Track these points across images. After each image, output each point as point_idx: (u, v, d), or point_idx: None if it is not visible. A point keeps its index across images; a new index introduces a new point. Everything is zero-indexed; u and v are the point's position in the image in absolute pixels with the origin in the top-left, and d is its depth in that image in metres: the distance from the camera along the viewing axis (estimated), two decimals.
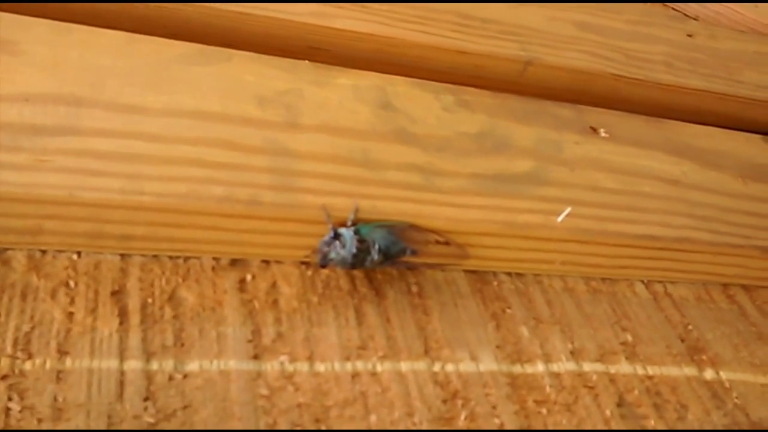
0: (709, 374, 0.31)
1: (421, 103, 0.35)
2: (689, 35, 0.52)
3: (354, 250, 0.27)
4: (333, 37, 0.38)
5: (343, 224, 0.28)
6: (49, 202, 0.25)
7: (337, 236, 0.27)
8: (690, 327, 0.33)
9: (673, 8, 0.62)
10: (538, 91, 0.42)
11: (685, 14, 0.61)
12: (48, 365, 0.23)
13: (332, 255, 0.27)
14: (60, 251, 0.26)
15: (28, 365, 0.22)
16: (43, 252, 0.26)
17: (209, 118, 0.30)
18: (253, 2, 0.37)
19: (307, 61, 0.35)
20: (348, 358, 0.26)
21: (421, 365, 0.27)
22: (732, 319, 0.34)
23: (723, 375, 0.31)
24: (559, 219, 0.32)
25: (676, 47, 0.49)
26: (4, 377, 0.22)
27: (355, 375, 0.26)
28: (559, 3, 0.48)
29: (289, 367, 0.25)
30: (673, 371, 0.30)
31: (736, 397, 0.30)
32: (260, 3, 0.37)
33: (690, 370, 0.31)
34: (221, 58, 0.33)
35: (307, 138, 0.31)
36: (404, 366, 0.27)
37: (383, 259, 0.28)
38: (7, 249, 0.25)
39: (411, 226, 0.29)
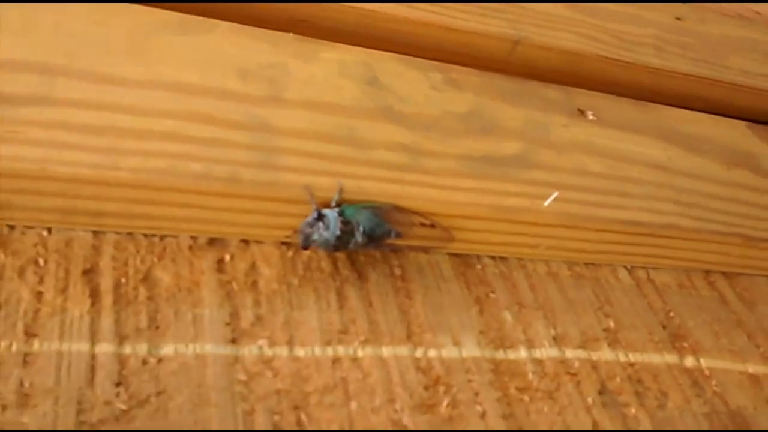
0: (689, 362, 0.30)
1: (409, 80, 0.34)
2: (678, 18, 0.51)
3: (338, 232, 0.26)
4: (316, 9, 0.37)
5: (327, 205, 0.27)
6: (20, 175, 0.23)
7: (320, 217, 0.26)
8: (672, 314, 0.32)
9: None
10: (526, 71, 0.40)
11: None
12: (14, 348, 0.21)
13: (315, 236, 0.26)
14: (29, 227, 0.24)
15: None
16: (11, 227, 0.24)
17: (188, 91, 0.28)
18: None
19: (291, 34, 0.33)
20: (329, 343, 0.25)
21: (403, 350, 0.26)
22: (713, 307, 0.34)
23: (703, 362, 0.31)
24: (546, 203, 0.31)
25: (665, 30, 0.48)
26: None
27: (335, 360, 0.25)
28: None
29: (268, 352, 0.24)
30: (654, 358, 0.30)
31: (716, 385, 0.30)
32: None
33: (671, 358, 0.30)
34: (203, 29, 0.31)
35: (291, 114, 0.29)
36: (386, 351, 0.26)
37: (367, 242, 0.27)
38: None
39: (396, 208, 0.28)
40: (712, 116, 0.43)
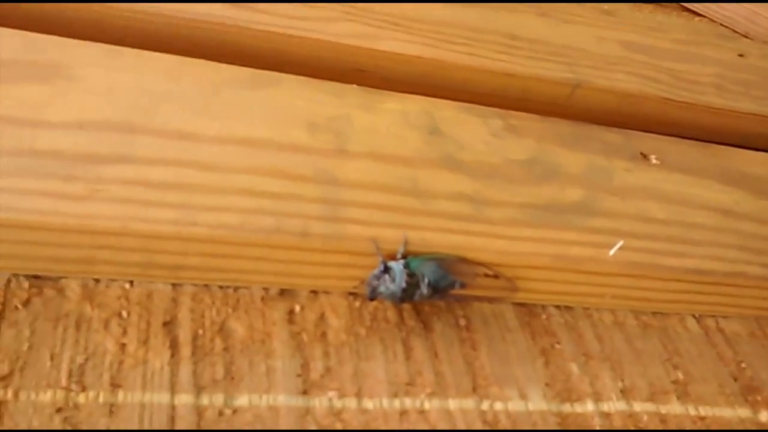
0: (764, 416, 0.30)
1: (469, 128, 0.35)
2: (740, 55, 0.50)
3: (404, 285, 0.26)
4: (379, 59, 0.38)
5: (393, 257, 0.27)
6: (103, 232, 0.25)
7: (386, 270, 0.27)
8: (743, 365, 0.32)
9: (722, 24, 0.60)
10: (586, 115, 0.41)
11: (735, 30, 0.60)
12: (101, 398, 0.22)
13: (382, 289, 0.27)
14: (113, 280, 0.26)
15: (81, 398, 0.22)
16: (97, 281, 0.25)
17: (260, 146, 0.29)
18: (301, 25, 0.36)
19: (355, 85, 0.34)
20: (396, 395, 0.26)
21: (469, 403, 0.26)
22: None
23: None
24: (611, 252, 0.31)
25: (726, 68, 0.47)
26: (59, 410, 0.22)
27: (403, 412, 0.25)
28: (605, 23, 0.47)
29: (338, 404, 0.25)
30: (726, 412, 0.29)
31: None
32: (309, 26, 0.37)
33: (743, 412, 0.30)
34: (271, 82, 0.33)
35: (356, 166, 0.30)
36: (452, 404, 0.26)
37: (432, 293, 0.27)
38: (61, 278, 0.25)
39: (460, 259, 0.28)
40: None
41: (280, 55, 0.36)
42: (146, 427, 0.22)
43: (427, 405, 0.26)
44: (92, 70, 0.30)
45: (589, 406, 0.28)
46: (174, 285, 0.26)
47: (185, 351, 0.24)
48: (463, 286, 0.28)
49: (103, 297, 0.25)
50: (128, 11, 0.34)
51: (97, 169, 0.26)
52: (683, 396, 0.29)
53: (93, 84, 0.29)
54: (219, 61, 0.33)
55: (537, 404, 0.27)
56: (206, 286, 0.27)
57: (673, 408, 0.29)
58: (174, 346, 0.24)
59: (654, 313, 0.33)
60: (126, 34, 0.34)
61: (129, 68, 0.31)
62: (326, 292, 0.28)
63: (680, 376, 0.30)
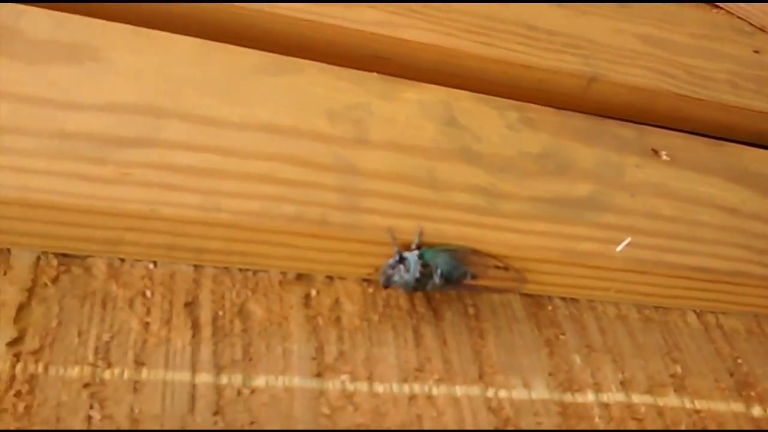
0: (756, 411, 0.31)
1: (486, 119, 0.35)
2: (756, 51, 0.50)
3: (417, 275, 0.27)
4: (398, 47, 0.38)
5: (408, 247, 0.28)
6: (131, 216, 0.25)
7: (401, 260, 0.27)
8: (740, 360, 0.33)
9: (738, 16, 0.60)
10: (600, 108, 0.41)
11: (751, 23, 0.60)
12: (126, 375, 0.23)
13: (396, 278, 0.27)
14: (138, 260, 0.27)
15: (107, 374, 0.23)
16: (122, 260, 0.26)
17: (282, 133, 0.30)
18: (323, 11, 0.37)
19: (375, 74, 0.35)
20: (405, 380, 0.27)
21: (475, 390, 0.27)
22: None
23: None
24: (619, 249, 0.31)
25: (741, 65, 0.48)
26: (86, 385, 0.23)
27: (412, 397, 0.26)
28: (622, 15, 0.47)
29: (350, 387, 0.26)
30: (720, 406, 0.30)
31: None
32: (330, 12, 0.37)
33: (737, 406, 0.31)
34: (293, 69, 0.33)
35: (375, 155, 0.31)
36: (459, 390, 0.27)
37: (444, 284, 0.28)
38: (88, 256, 0.26)
39: (472, 251, 0.29)
40: None
41: (301, 41, 0.37)
42: (168, 404, 0.23)
43: (435, 391, 0.27)
44: (121, 52, 0.30)
45: (590, 397, 0.29)
46: (196, 267, 0.27)
47: (206, 331, 0.25)
48: (474, 277, 0.29)
49: (128, 276, 0.26)
50: None
51: (126, 152, 0.27)
52: (680, 389, 0.30)
53: (122, 66, 0.30)
54: (242, 45, 0.33)
55: (540, 393, 0.28)
56: (227, 268, 0.27)
57: (670, 401, 0.30)
58: (195, 327, 0.25)
59: (656, 308, 0.33)
60: (153, 16, 0.34)
61: (157, 51, 0.31)
62: (341, 278, 0.29)
63: (678, 369, 0.31)
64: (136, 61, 0.30)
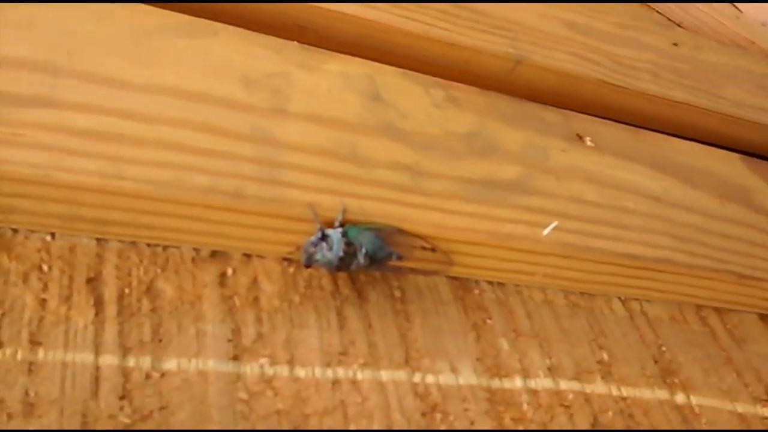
0: (680, 398, 0.33)
1: (411, 96, 0.36)
2: (675, 44, 0.54)
3: (341, 253, 0.28)
4: (320, 17, 0.39)
5: (330, 224, 0.28)
6: (23, 180, 0.24)
7: (324, 238, 0.28)
8: (663, 348, 0.35)
9: (657, 11, 0.64)
10: (526, 91, 0.43)
11: (669, 19, 0.64)
12: (19, 356, 0.23)
13: (318, 256, 0.28)
14: (33, 231, 0.26)
15: None
16: (15, 231, 0.25)
17: (193, 98, 0.30)
18: None
19: (296, 42, 0.35)
20: (329, 364, 0.27)
21: (401, 375, 0.28)
22: (703, 342, 0.36)
23: (693, 400, 0.33)
24: (545, 232, 0.33)
25: (661, 56, 0.51)
26: None
27: (335, 382, 0.27)
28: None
29: (269, 371, 0.26)
30: (646, 393, 0.32)
31: (705, 424, 0.32)
32: None
33: (662, 394, 0.33)
34: (207, 32, 0.33)
35: (295, 127, 0.31)
36: (384, 375, 0.28)
37: (369, 263, 0.29)
38: None
39: (398, 231, 0.30)
40: (707, 147, 0.46)
41: (216, 4, 0.36)
42: (68, 388, 0.22)
43: (359, 375, 0.27)
44: (13, 4, 0.29)
45: (518, 383, 0.30)
46: (99, 240, 0.26)
47: (110, 310, 0.25)
48: (400, 258, 0.30)
49: (22, 248, 0.25)
50: None
51: (18, 111, 0.26)
52: (607, 376, 0.32)
53: (13, 19, 0.29)
54: (150, 4, 0.33)
55: (467, 378, 0.29)
56: (133, 243, 0.27)
57: (597, 387, 0.31)
58: (98, 305, 0.25)
59: (582, 294, 0.35)
60: None
61: (53, 5, 0.30)
62: (260, 256, 0.29)
63: (605, 356, 0.33)
64: (30, 13, 0.29)
